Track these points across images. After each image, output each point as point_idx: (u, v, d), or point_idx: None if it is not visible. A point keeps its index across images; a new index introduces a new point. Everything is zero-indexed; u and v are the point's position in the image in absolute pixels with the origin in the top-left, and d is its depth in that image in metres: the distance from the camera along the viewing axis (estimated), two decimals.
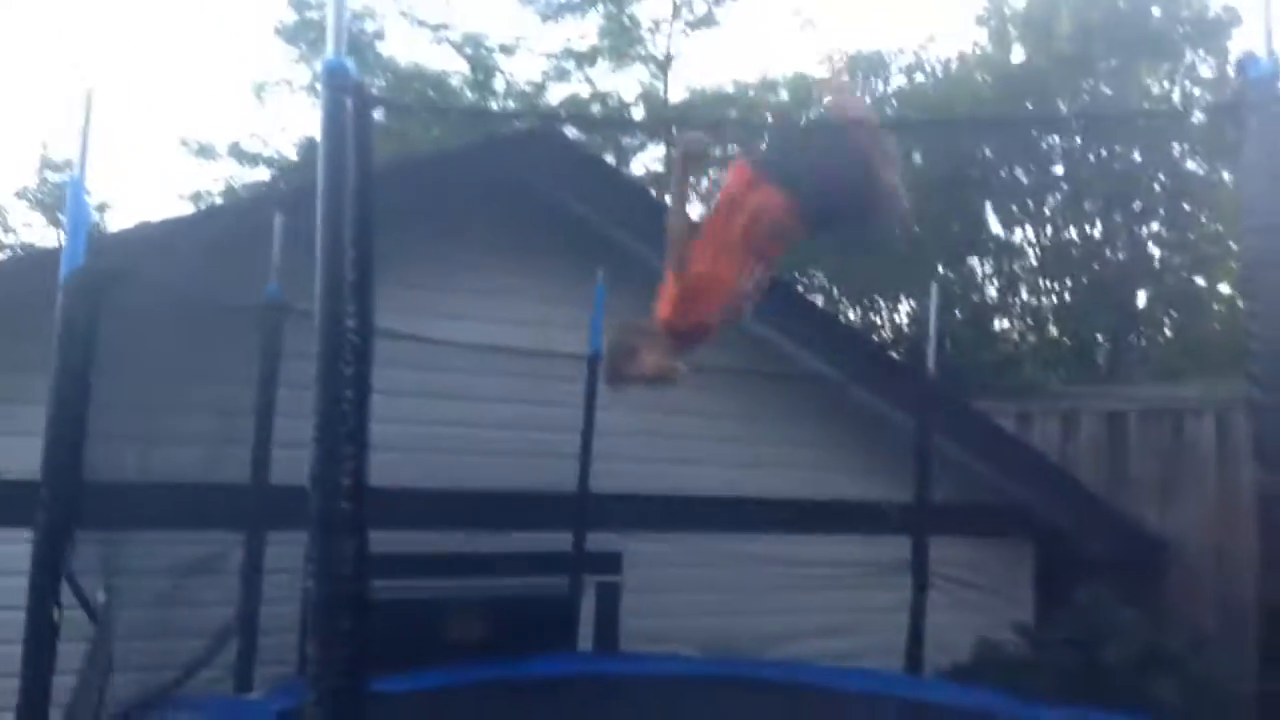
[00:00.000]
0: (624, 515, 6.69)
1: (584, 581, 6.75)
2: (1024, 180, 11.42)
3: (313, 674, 2.06)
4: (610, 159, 13.92)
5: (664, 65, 15.60)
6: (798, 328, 7.30)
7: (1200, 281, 10.75)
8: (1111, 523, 8.13)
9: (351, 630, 2.06)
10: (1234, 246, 10.73)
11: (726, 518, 7.05)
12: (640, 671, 6.22)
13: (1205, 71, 11.40)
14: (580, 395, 6.61)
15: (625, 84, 15.97)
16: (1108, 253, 11.11)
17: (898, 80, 12.79)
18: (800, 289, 11.03)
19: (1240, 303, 9.03)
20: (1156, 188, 10.65)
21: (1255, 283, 2.29)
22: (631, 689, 5.97)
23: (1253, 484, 2.35)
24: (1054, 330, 12.23)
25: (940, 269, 11.14)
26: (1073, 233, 11.44)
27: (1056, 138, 11.09)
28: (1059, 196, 11.20)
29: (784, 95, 13.90)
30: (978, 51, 12.62)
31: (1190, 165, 10.67)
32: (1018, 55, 12.23)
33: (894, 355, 10.48)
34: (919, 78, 12.73)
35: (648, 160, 15.84)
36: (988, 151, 10.97)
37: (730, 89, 14.52)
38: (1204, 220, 10.48)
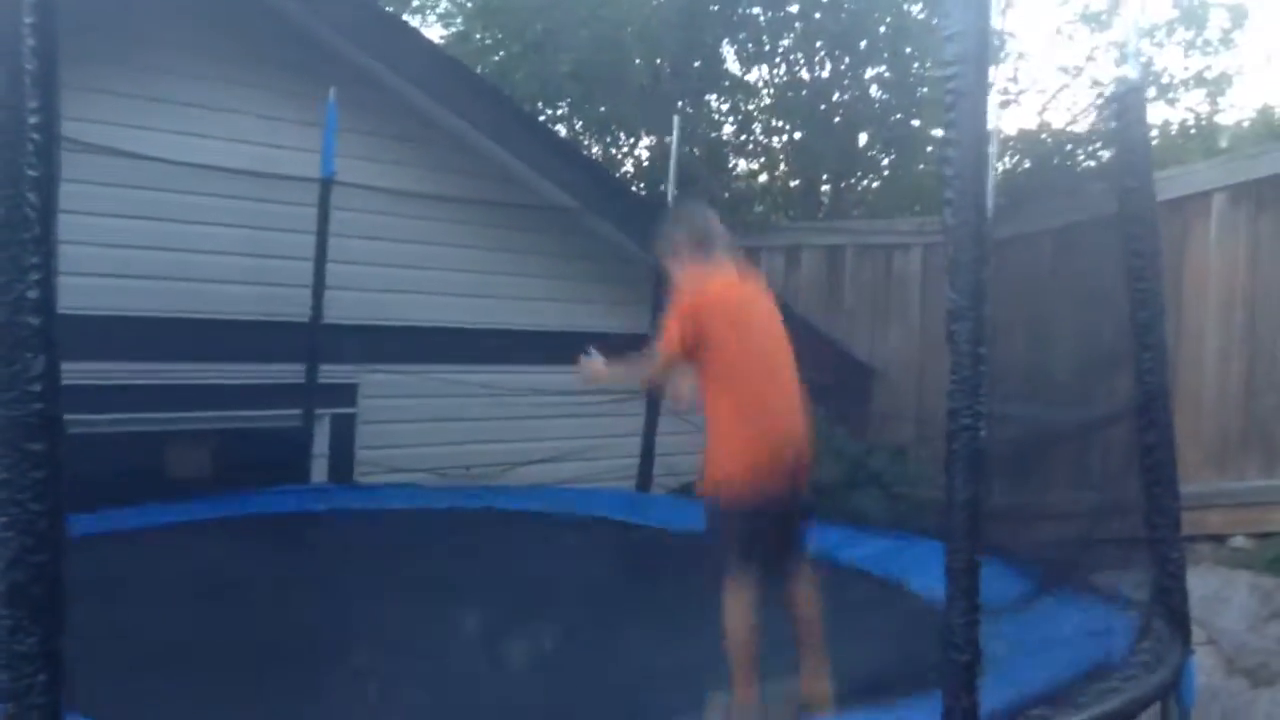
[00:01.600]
0: (359, 347, 6.55)
1: (318, 414, 6.60)
2: (761, 20, 11.53)
3: (2, 499, 1.91)
4: None
5: None
6: (539, 156, 7.21)
7: (916, 124, 11.30)
8: (827, 351, 8.63)
9: (43, 453, 1.91)
10: None
11: (465, 349, 7.03)
12: (372, 505, 6.22)
13: None
14: (312, 221, 6.34)
15: None
16: (835, 95, 11.47)
17: None
18: (543, 120, 10.84)
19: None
20: (881, 30, 10.99)
21: (956, 110, 2.40)
22: (358, 521, 5.96)
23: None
24: (784, 169, 12.63)
25: (680, 105, 11.19)
26: (804, 73, 11.72)
27: None
28: (791, 37, 11.39)
29: None
30: None
31: (914, 10, 11.06)
32: None
33: (634, 190, 10.57)
34: None
35: None
36: None
37: None
38: (921, 65, 10.95)
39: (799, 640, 3.52)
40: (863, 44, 11.04)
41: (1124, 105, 3.98)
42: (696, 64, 11.41)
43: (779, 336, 3.63)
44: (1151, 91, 11.99)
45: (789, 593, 3.54)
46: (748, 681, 3.35)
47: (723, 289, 3.57)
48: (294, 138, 6.38)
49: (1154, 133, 12.08)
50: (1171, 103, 12.47)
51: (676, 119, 7.64)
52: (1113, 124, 4.12)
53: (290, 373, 6.35)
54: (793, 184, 12.34)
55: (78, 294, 5.24)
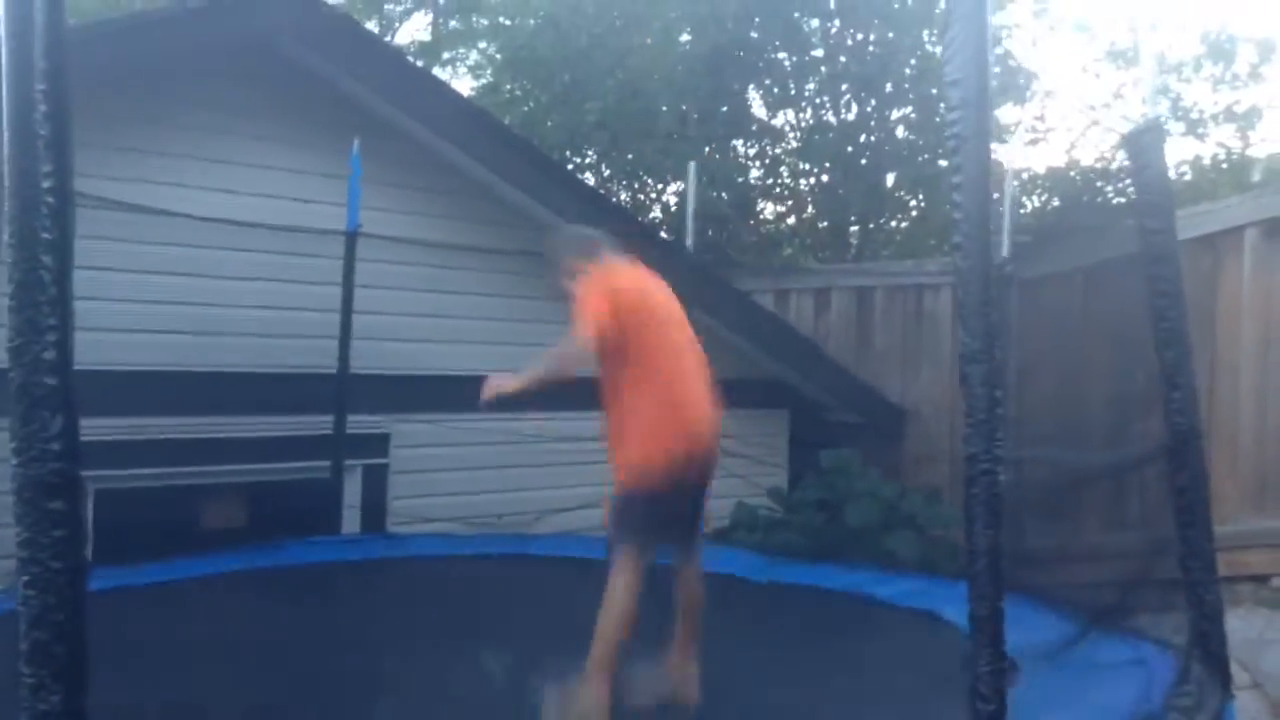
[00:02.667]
0: (389, 397, 6.59)
1: (349, 465, 6.62)
2: (786, 64, 11.60)
3: (21, 560, 1.92)
4: (373, 27, 13.28)
5: None
6: (567, 205, 7.25)
7: (943, 164, 11.29)
8: (858, 391, 8.60)
9: (63, 512, 1.93)
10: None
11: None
12: (403, 554, 6.22)
13: None
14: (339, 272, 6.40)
15: None
16: (861, 137, 11.49)
17: None
18: (571, 168, 10.94)
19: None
20: (906, 71, 11.03)
21: (960, 154, 2.40)
22: (395, 571, 5.97)
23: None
24: (812, 211, 12.65)
25: (707, 151, 11.26)
26: (830, 116, 11.76)
27: (816, 21, 11.30)
28: (817, 80, 11.45)
29: None
30: None
31: (937, 50, 11.09)
32: None
33: (661, 235, 10.61)
34: None
35: (414, 30, 15.21)
36: (753, 34, 11.06)
37: None
38: (947, 106, 10.95)
39: (680, 619, 3.67)
40: (888, 86, 11.06)
41: (1142, 144, 3.96)
42: (723, 109, 11.48)
43: (685, 326, 3.75)
44: (1181, 127, 11.95)
45: (681, 573, 3.70)
46: (607, 668, 3.39)
47: (630, 279, 3.62)
48: (322, 191, 6.46)
49: (1184, 168, 12.02)
50: (1201, 137, 12.40)
51: (693, 166, 7.68)
52: (1130, 163, 4.10)
53: (321, 424, 6.38)
54: (821, 226, 12.35)
55: (110, 350, 5.37)
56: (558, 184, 7.23)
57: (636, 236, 7.94)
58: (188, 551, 5.80)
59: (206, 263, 6.13)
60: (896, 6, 10.85)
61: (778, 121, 12.25)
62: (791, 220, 12.90)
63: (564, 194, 7.16)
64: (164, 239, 5.96)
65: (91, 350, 2.64)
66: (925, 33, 10.86)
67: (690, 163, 7.88)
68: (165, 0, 6.45)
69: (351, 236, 6.28)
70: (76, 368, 1.95)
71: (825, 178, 11.95)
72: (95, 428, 2.02)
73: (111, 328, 5.55)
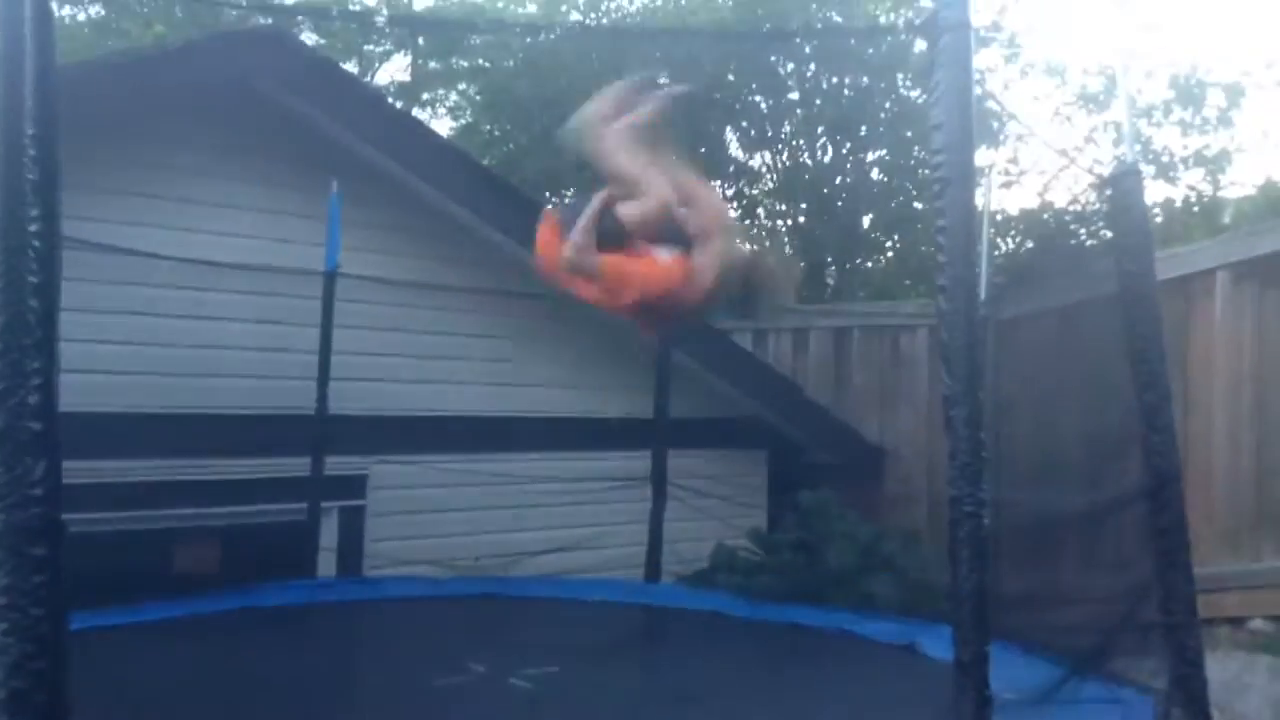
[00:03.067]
0: (367, 437, 6.56)
1: (326, 507, 6.57)
2: (763, 107, 11.75)
3: (3, 605, 1.91)
4: (353, 68, 13.32)
5: None
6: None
7: (919, 206, 11.42)
8: (836, 432, 8.62)
9: (44, 557, 1.91)
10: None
11: (471, 437, 7.01)
12: (375, 596, 6.18)
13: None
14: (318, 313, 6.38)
15: None
16: (837, 178, 11.61)
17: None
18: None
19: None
20: (881, 115, 11.18)
21: (944, 199, 2.43)
22: (367, 613, 5.93)
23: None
24: (789, 252, 12.74)
25: None
26: (806, 158, 11.89)
27: (792, 65, 11.45)
28: (794, 123, 11.59)
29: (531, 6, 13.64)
30: None
31: (912, 94, 11.25)
32: None
33: None
34: None
35: (394, 70, 15.24)
36: (730, 76, 11.20)
37: None
38: (922, 148, 11.11)
39: None
40: (863, 129, 11.19)
41: (1123, 187, 4.02)
42: (701, 150, 11.58)
43: None
44: (1151, 170, 12.13)
45: None
46: None
47: None
48: (299, 231, 6.45)
49: (1156, 211, 12.19)
50: (1172, 181, 12.59)
51: None
52: (1109, 206, 4.15)
53: (297, 466, 6.34)
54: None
55: (82, 392, 5.31)
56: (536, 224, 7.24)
57: None
58: (159, 596, 5.72)
59: (183, 304, 6.10)
60: (871, 52, 11.00)
61: (754, 163, 12.38)
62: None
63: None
64: (139, 279, 5.93)
65: (66, 392, 2.63)
66: (900, 76, 11.01)
67: None
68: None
69: (330, 276, 6.27)
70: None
71: (802, 219, 12.06)
72: (67, 470, 2.00)
73: (85, 369, 5.49)
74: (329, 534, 6.62)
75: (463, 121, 14.36)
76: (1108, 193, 4.13)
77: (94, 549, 5.57)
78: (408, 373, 6.89)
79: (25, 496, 1.92)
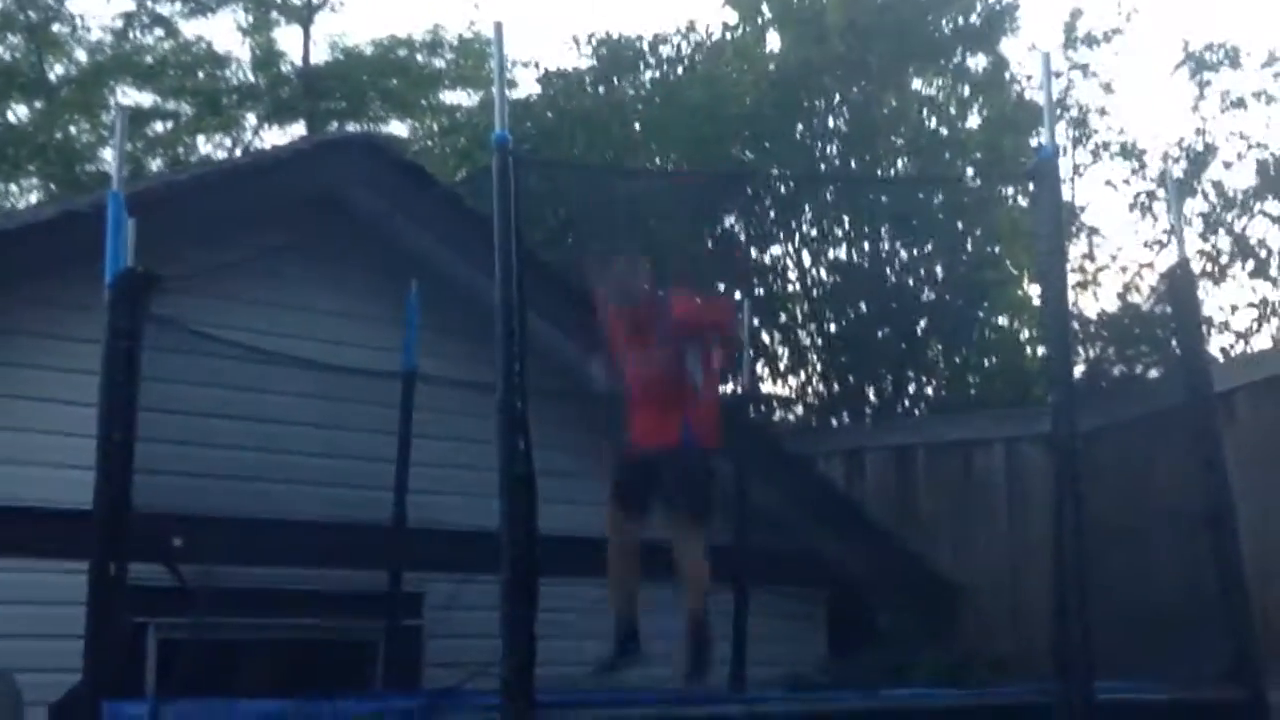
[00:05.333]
0: (435, 552, 7.25)
1: (385, 624, 7.26)
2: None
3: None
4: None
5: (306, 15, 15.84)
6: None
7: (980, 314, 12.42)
8: (903, 566, 9.28)
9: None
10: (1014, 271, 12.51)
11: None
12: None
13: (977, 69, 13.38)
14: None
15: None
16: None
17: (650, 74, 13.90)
18: None
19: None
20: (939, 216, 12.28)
21: (1048, 330, 3.35)
22: None
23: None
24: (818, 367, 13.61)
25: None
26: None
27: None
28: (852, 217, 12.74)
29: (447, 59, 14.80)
30: (730, 37, 13.90)
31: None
32: (773, 40, 13.89)
33: None
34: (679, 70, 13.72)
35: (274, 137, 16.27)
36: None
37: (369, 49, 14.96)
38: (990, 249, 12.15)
39: None
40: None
41: (1174, 284, 4.92)
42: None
43: None
44: (1249, 265, 12.70)
45: None
46: None
47: None
48: (367, 335, 7.32)
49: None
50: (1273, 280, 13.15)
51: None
52: (1164, 307, 5.03)
53: (363, 580, 7.06)
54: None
55: (154, 492, 6.01)
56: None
57: None
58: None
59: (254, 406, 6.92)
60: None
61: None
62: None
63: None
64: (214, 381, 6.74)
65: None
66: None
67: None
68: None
69: (409, 379, 7.07)
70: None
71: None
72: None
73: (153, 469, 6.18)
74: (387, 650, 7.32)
75: None
76: (1163, 289, 5.00)
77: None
78: (475, 485, 7.60)
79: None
